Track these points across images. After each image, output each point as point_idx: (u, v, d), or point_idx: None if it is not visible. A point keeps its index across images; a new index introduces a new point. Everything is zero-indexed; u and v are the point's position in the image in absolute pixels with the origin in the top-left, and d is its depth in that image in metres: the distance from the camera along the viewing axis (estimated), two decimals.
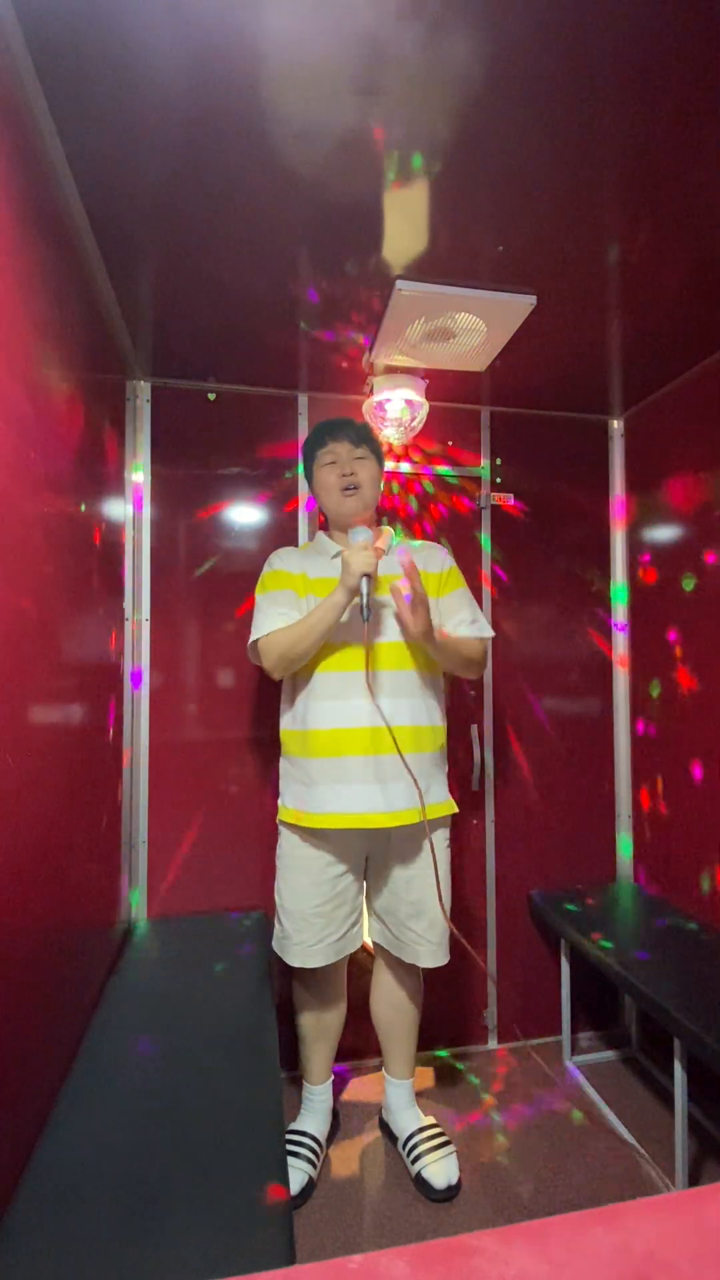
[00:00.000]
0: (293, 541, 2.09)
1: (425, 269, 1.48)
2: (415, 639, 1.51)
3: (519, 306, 1.57)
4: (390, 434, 2.04)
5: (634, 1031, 2.14)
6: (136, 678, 1.97)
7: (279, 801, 1.68)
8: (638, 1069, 2.04)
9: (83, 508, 1.40)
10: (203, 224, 1.32)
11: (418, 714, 1.57)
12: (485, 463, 2.25)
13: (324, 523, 1.77)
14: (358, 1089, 1.96)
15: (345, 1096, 1.93)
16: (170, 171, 1.18)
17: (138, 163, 1.16)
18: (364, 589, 1.47)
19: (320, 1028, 1.72)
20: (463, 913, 2.14)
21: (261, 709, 2.06)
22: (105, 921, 1.61)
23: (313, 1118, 1.71)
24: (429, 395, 2.03)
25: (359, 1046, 2.08)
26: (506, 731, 2.22)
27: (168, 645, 2.01)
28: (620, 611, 2.31)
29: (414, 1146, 1.63)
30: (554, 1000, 2.13)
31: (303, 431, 2.11)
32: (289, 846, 1.63)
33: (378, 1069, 2.04)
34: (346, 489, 1.61)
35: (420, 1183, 1.57)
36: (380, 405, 1.99)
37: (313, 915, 1.58)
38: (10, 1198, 0.93)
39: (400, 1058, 1.73)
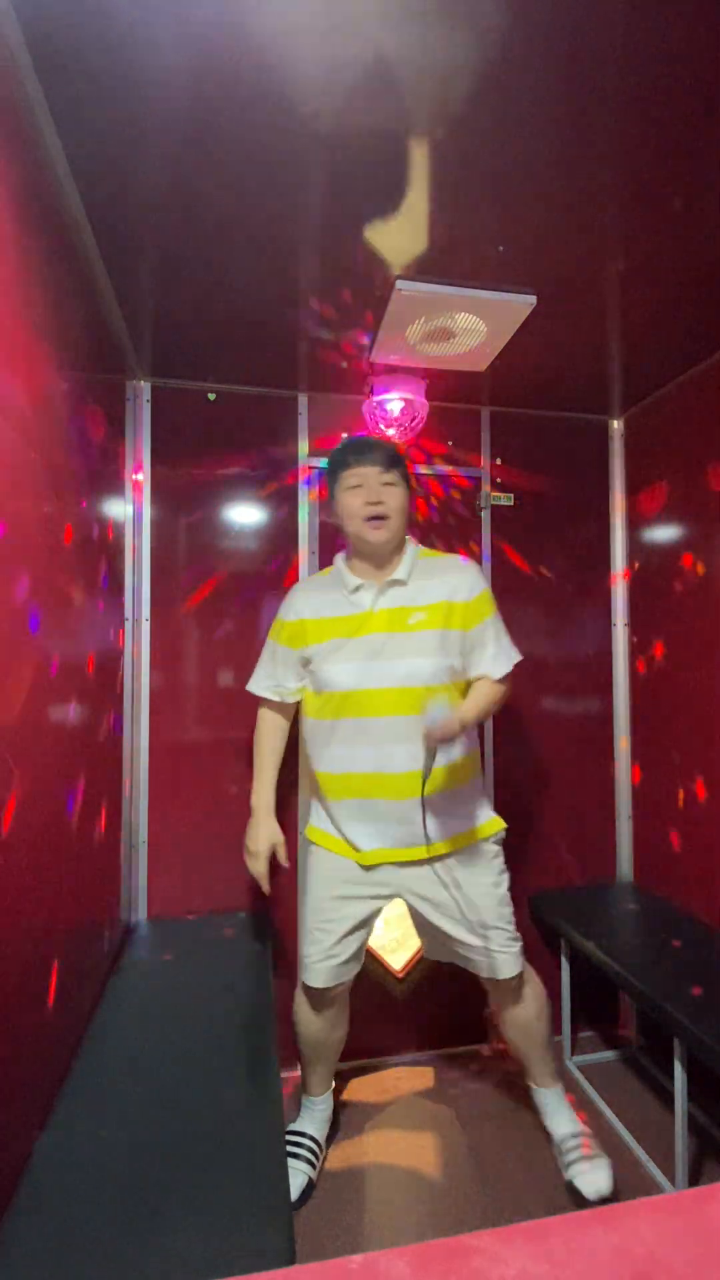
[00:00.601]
0: (293, 541, 2.09)
1: (425, 269, 1.48)
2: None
3: (519, 306, 1.57)
4: (390, 434, 2.04)
5: (634, 1031, 2.14)
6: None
7: (310, 821, 1.68)
8: (638, 1069, 2.03)
9: (83, 508, 1.40)
10: (203, 224, 1.32)
11: (450, 751, 1.52)
12: (485, 463, 2.25)
13: (344, 546, 1.67)
14: (358, 1089, 1.96)
15: (345, 1096, 1.93)
16: (170, 171, 1.18)
17: (138, 163, 1.16)
18: (427, 759, 1.44)
19: (320, 1049, 1.70)
20: None
21: None
22: (105, 921, 1.61)
23: (312, 1121, 1.71)
24: (429, 395, 2.03)
25: (358, 1047, 2.08)
26: (506, 731, 2.22)
27: (168, 645, 2.00)
28: (620, 611, 2.31)
29: (566, 1152, 1.59)
30: (554, 1000, 2.13)
31: (303, 431, 2.12)
32: (312, 863, 1.63)
33: (378, 1069, 2.04)
34: (372, 519, 1.52)
35: (571, 1189, 1.54)
36: (380, 405, 1.99)
37: (321, 933, 1.57)
38: (10, 1198, 0.93)
39: (540, 1069, 1.68)
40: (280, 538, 2.09)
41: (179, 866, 1.97)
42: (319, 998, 1.63)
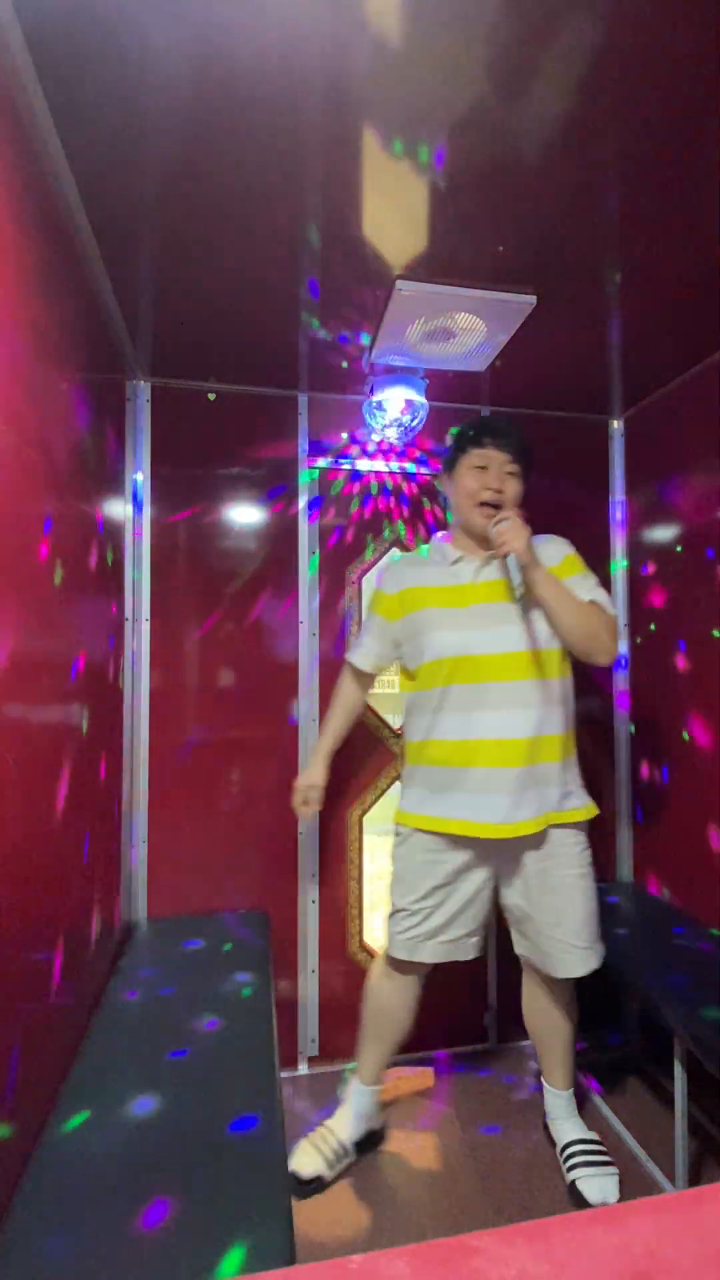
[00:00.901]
0: (292, 541, 2.09)
1: (425, 269, 1.48)
2: (524, 559, 1.45)
3: (519, 306, 1.57)
4: (390, 434, 2.04)
5: (634, 1031, 2.14)
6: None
7: (399, 806, 1.66)
8: (638, 1069, 2.03)
9: (83, 508, 1.40)
10: (202, 224, 1.32)
11: (545, 724, 1.50)
12: None
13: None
14: None
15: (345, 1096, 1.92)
16: (170, 171, 1.18)
17: (138, 162, 1.16)
18: (511, 566, 1.44)
19: (385, 1027, 1.68)
20: None
21: (261, 709, 2.06)
22: (105, 921, 1.61)
23: (348, 1122, 1.67)
24: (429, 395, 2.03)
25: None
26: None
27: (168, 645, 2.00)
28: (621, 611, 2.31)
29: (570, 1156, 1.58)
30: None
31: (303, 431, 2.12)
32: (406, 851, 1.60)
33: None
34: (484, 504, 1.52)
35: (573, 1192, 1.53)
36: (380, 405, 2.00)
37: (433, 910, 1.54)
38: (11, 1197, 0.93)
39: (558, 1069, 1.67)
40: (280, 538, 2.09)
41: (179, 866, 1.97)
42: (401, 981, 1.63)
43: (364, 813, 2.13)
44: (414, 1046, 2.11)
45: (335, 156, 1.15)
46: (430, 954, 1.56)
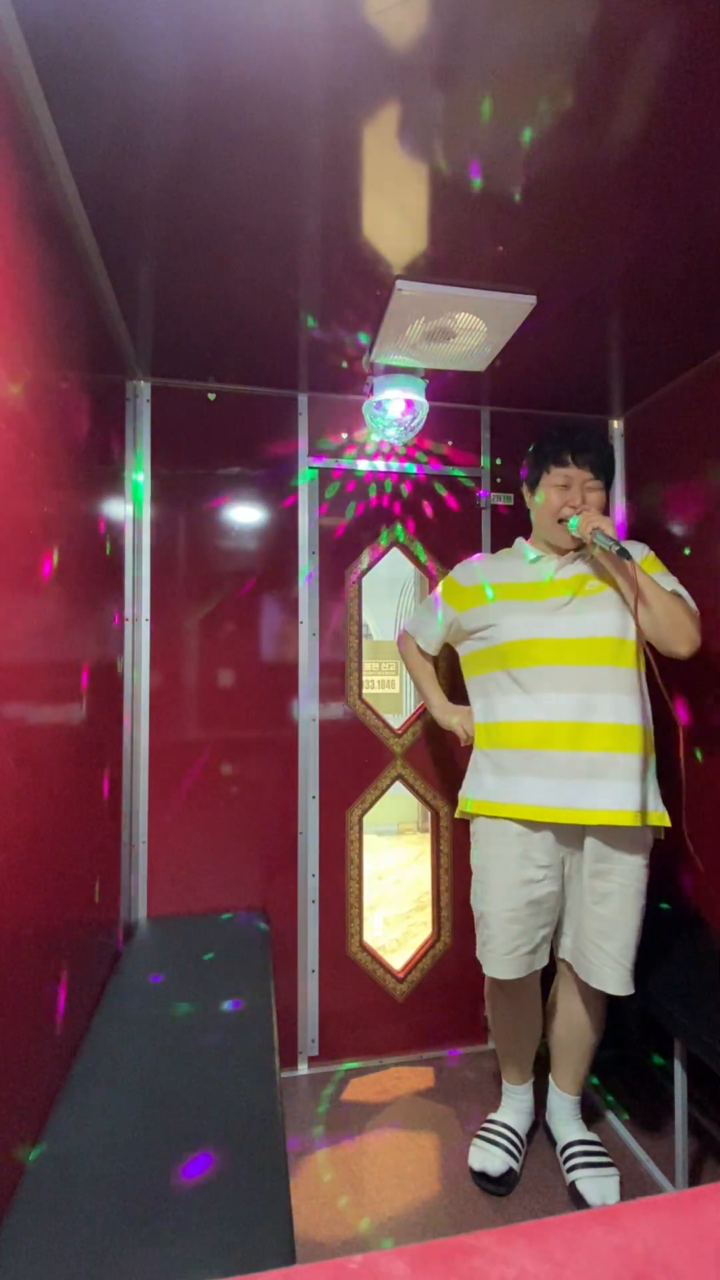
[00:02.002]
0: (292, 541, 2.10)
1: (425, 269, 1.48)
2: (611, 531, 1.46)
3: (519, 306, 1.57)
4: (390, 434, 2.04)
5: (634, 1031, 2.14)
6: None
7: (463, 796, 1.65)
8: (638, 1069, 2.03)
9: (83, 508, 1.40)
10: (203, 224, 1.32)
11: (622, 711, 1.49)
12: (485, 463, 2.25)
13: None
14: (358, 1089, 1.96)
15: (345, 1096, 1.93)
16: (170, 170, 1.18)
17: (137, 161, 1.16)
18: (599, 540, 1.45)
19: (512, 1037, 1.68)
20: (464, 914, 2.14)
21: (261, 709, 2.06)
22: (105, 921, 1.61)
23: (512, 1112, 1.70)
24: (429, 395, 2.03)
25: (358, 1047, 2.08)
26: None
27: (168, 645, 2.00)
28: None
29: (570, 1157, 1.58)
30: None
31: (303, 431, 2.12)
32: (481, 844, 1.59)
33: (378, 1069, 2.04)
34: (566, 520, 1.55)
35: (574, 1193, 1.53)
36: (380, 405, 1.99)
37: (507, 922, 1.53)
38: (10, 1198, 0.93)
39: (570, 1075, 1.65)
40: (280, 538, 2.09)
41: (179, 866, 1.97)
42: (514, 987, 1.61)
43: (364, 813, 2.13)
44: (414, 1046, 2.11)
45: (335, 156, 1.15)
46: (514, 969, 1.53)
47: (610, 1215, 0.51)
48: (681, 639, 1.46)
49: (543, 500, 1.60)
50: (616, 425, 2.34)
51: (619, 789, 1.46)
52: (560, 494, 1.57)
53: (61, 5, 0.89)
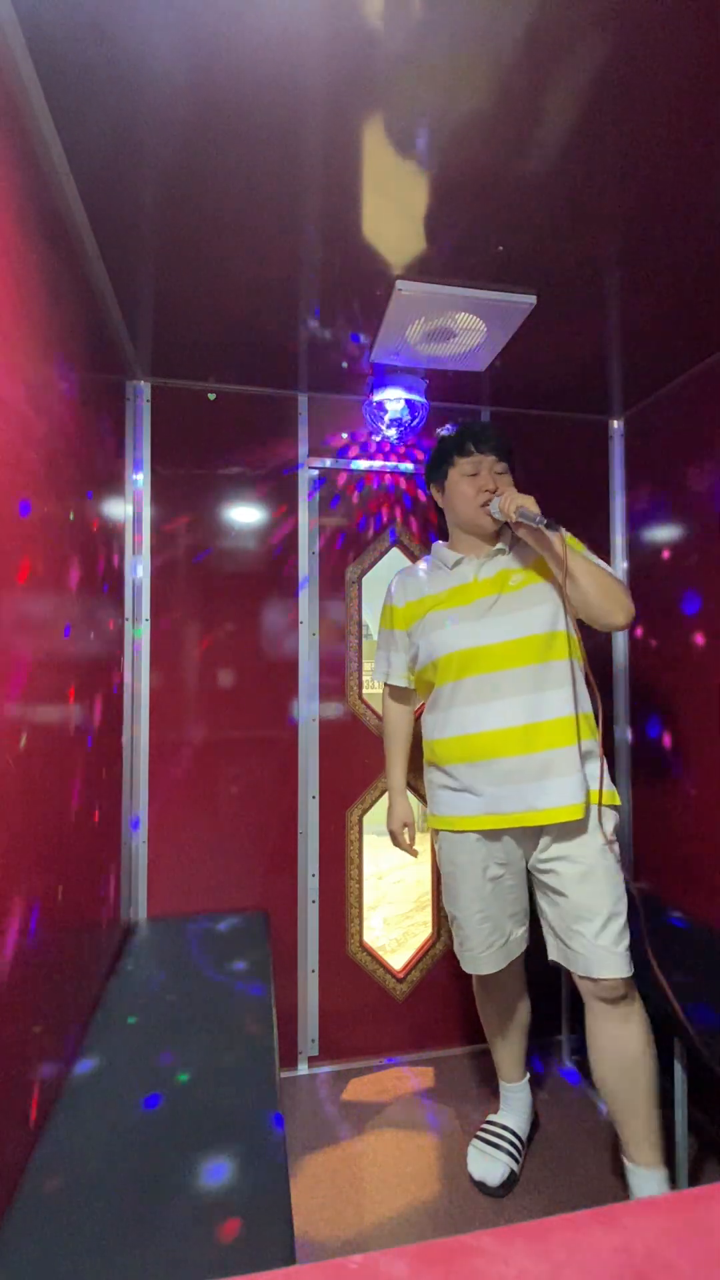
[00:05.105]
0: (292, 540, 2.10)
1: (425, 269, 1.48)
2: (534, 510, 1.42)
3: (519, 306, 1.57)
4: (390, 434, 2.04)
5: None
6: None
7: (427, 811, 1.67)
8: None
9: (83, 508, 1.40)
10: (202, 224, 1.32)
11: (559, 705, 1.47)
12: None
13: (435, 535, 1.67)
14: (358, 1089, 1.96)
15: (345, 1096, 1.93)
16: (170, 171, 1.18)
17: (138, 163, 1.16)
18: (526, 516, 1.41)
19: (501, 1028, 1.70)
20: None
21: (261, 709, 2.06)
22: (105, 921, 1.61)
23: (511, 1113, 1.71)
24: (429, 395, 2.03)
25: (358, 1047, 2.08)
26: None
27: (168, 645, 2.00)
28: None
29: None
30: (554, 1001, 2.13)
31: (303, 431, 2.12)
32: (446, 854, 1.61)
33: (378, 1069, 2.05)
34: (488, 504, 1.54)
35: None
36: (380, 405, 1.99)
37: (479, 922, 1.56)
38: (10, 1198, 0.93)
39: (642, 1137, 1.36)
40: (280, 538, 2.09)
41: (179, 866, 1.97)
42: (490, 982, 1.66)
43: (364, 813, 2.13)
44: (414, 1046, 2.11)
45: (335, 156, 1.15)
46: (492, 963, 1.57)
47: (610, 1215, 0.51)
48: (616, 608, 1.44)
49: (457, 491, 1.58)
50: (616, 425, 2.34)
51: (566, 784, 1.45)
52: (472, 481, 1.56)
53: (62, 7, 0.89)
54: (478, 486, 1.55)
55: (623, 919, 1.44)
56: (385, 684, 1.79)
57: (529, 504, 1.45)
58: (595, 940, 1.41)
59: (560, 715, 1.48)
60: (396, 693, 1.79)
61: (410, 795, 1.85)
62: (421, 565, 1.73)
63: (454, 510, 1.61)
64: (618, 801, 1.53)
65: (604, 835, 1.48)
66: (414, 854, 1.79)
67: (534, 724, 1.47)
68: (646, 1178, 1.36)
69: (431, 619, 1.59)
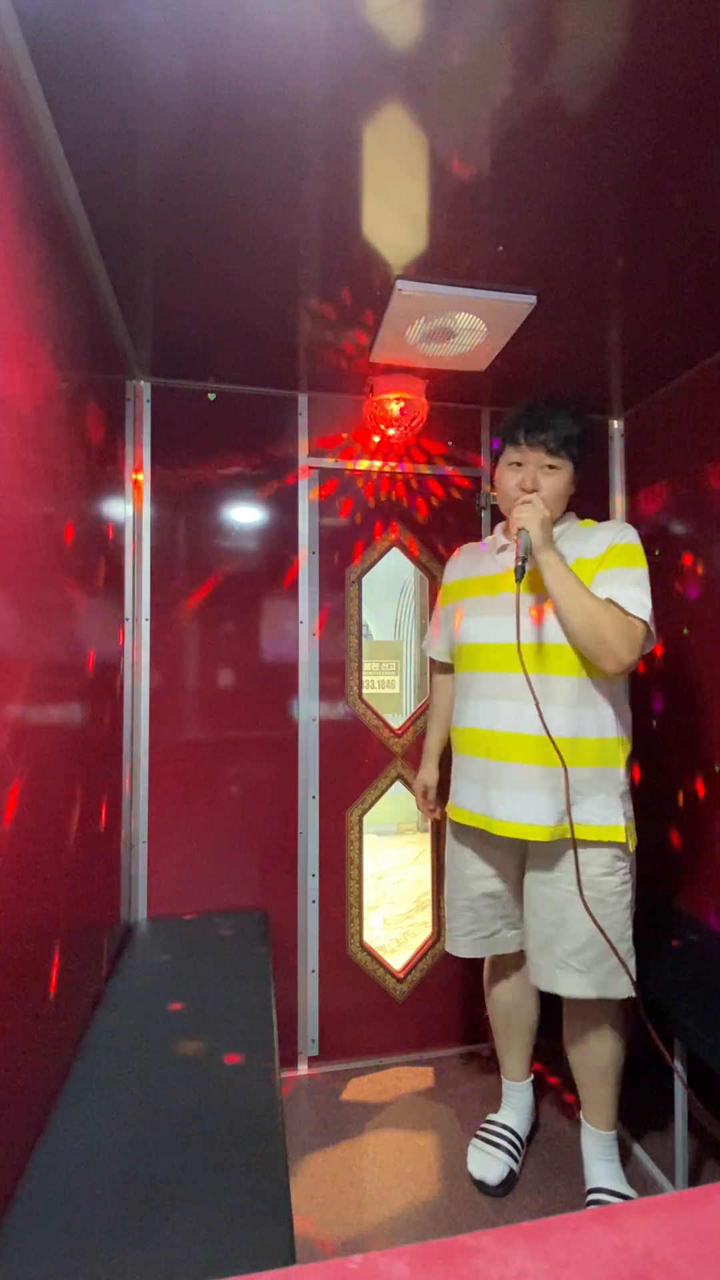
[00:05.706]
0: (292, 541, 2.10)
1: (425, 269, 1.48)
2: (537, 540, 1.36)
3: (519, 306, 1.57)
4: (390, 434, 2.04)
5: (634, 1030, 2.13)
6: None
7: (449, 801, 1.69)
8: (638, 1069, 2.03)
9: (83, 508, 1.40)
10: (203, 224, 1.32)
11: (574, 724, 1.40)
12: (485, 463, 2.25)
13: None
14: (358, 1089, 1.96)
15: (345, 1096, 1.93)
16: (170, 171, 1.18)
17: (138, 163, 1.16)
18: (522, 542, 1.36)
19: (508, 1026, 1.72)
20: None
21: (261, 708, 2.06)
22: (105, 921, 1.61)
23: (512, 1112, 1.71)
24: (429, 395, 2.03)
25: (358, 1047, 2.08)
26: None
27: (168, 645, 2.00)
28: None
29: (594, 1204, 1.44)
30: (554, 1001, 2.13)
31: (303, 431, 2.11)
32: (448, 834, 1.68)
33: (378, 1069, 2.04)
34: (523, 501, 1.45)
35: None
36: (380, 405, 1.99)
37: (461, 909, 1.62)
38: (10, 1198, 0.93)
39: (592, 1104, 1.52)
40: (280, 538, 2.09)
41: (179, 866, 1.97)
42: (499, 978, 1.70)
43: (364, 813, 2.13)
44: (414, 1046, 2.11)
45: (335, 157, 1.15)
46: (468, 950, 1.61)
47: (610, 1215, 0.51)
48: (603, 656, 1.35)
49: (500, 478, 1.51)
50: (616, 425, 2.34)
51: (532, 801, 1.39)
52: (512, 474, 1.47)
53: (62, 5, 0.89)
54: (517, 482, 1.47)
55: (596, 950, 1.39)
56: (429, 657, 1.83)
57: (532, 527, 1.37)
58: (561, 959, 1.43)
59: (562, 735, 1.38)
60: (440, 665, 1.82)
61: (409, 793, 1.87)
62: (482, 544, 1.71)
63: (500, 498, 1.54)
64: (619, 838, 1.41)
65: (609, 865, 1.41)
66: (436, 817, 1.86)
67: (526, 735, 1.41)
68: (599, 1137, 1.52)
69: (467, 604, 1.60)
